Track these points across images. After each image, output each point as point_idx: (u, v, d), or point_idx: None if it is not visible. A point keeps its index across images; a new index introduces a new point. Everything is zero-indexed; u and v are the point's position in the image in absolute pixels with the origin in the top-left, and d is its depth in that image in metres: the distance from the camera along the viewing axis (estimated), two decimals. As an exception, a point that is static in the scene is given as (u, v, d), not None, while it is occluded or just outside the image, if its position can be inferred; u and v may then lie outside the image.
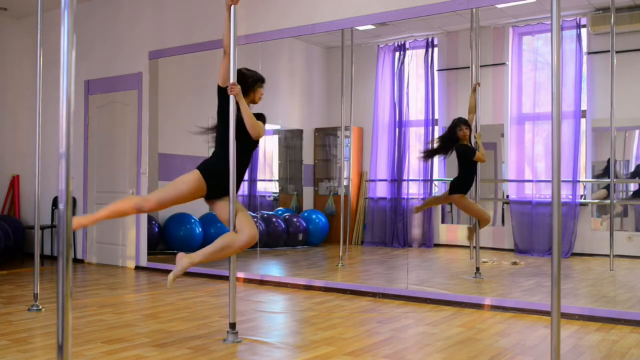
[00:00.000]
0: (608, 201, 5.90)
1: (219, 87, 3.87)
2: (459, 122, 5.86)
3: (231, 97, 3.75)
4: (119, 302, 5.09)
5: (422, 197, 7.13)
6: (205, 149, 8.23)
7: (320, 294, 5.47)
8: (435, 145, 6.19)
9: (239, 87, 3.77)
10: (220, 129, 3.86)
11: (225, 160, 3.75)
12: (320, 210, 8.20)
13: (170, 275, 3.72)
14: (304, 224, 8.01)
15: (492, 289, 5.41)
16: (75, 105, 6.56)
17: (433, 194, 7.06)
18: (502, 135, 6.60)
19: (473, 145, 5.84)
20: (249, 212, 8.28)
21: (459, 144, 5.86)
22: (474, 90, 5.85)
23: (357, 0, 5.64)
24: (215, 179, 3.76)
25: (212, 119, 4.13)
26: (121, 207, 3.79)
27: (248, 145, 3.87)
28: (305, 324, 4.30)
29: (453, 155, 7.05)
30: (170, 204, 3.84)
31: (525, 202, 6.36)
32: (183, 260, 3.74)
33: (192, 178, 3.75)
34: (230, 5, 3.79)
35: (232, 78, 3.83)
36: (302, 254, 7.66)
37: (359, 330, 4.06)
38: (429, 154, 6.43)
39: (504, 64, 6.59)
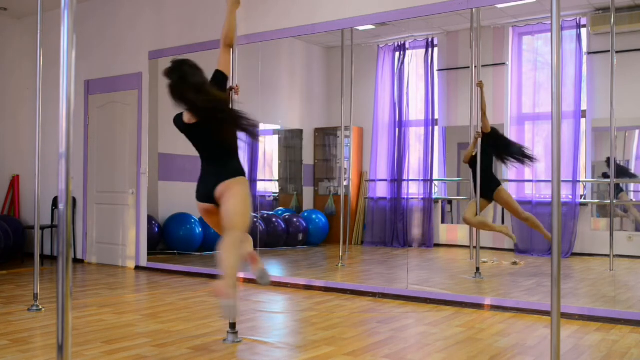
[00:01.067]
0: (608, 201, 5.90)
1: (224, 75, 3.70)
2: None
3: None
4: (119, 302, 5.09)
5: (422, 197, 7.13)
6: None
7: (320, 294, 5.47)
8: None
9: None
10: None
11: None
12: (320, 210, 8.20)
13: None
14: (304, 224, 8.01)
15: (492, 289, 5.41)
16: (75, 105, 6.54)
17: (432, 195, 7.06)
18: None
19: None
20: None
21: None
22: (481, 88, 5.81)
23: (357, 0, 5.64)
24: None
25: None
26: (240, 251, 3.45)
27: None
28: (305, 324, 4.30)
29: (452, 156, 7.07)
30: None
31: (525, 202, 6.36)
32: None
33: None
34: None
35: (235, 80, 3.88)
36: (302, 254, 7.67)
37: (359, 330, 4.06)
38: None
39: (504, 64, 6.59)
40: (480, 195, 5.71)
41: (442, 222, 7.10)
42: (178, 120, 3.62)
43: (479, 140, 5.70)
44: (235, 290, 3.20)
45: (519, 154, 5.87)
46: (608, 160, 5.80)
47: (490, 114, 5.96)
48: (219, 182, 3.48)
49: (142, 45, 7.23)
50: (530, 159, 5.85)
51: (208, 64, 8.48)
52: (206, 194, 3.53)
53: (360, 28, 6.43)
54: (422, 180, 7.14)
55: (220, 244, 3.36)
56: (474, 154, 5.74)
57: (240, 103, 3.88)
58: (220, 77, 3.67)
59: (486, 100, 5.82)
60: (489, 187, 5.76)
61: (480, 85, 5.75)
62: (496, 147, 5.86)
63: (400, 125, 7.40)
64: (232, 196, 3.44)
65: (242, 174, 3.56)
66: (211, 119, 3.46)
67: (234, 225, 3.39)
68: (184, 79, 3.40)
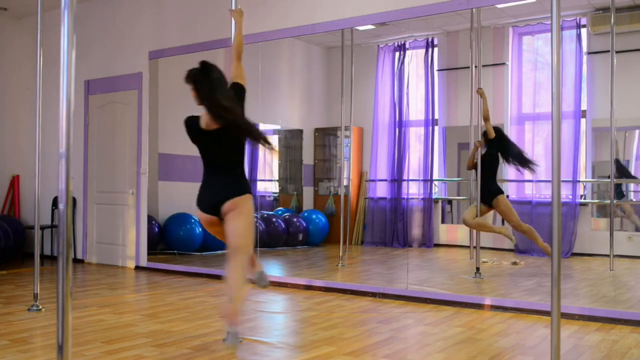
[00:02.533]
0: (608, 201, 5.90)
1: (243, 87, 3.73)
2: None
3: None
4: (119, 302, 5.09)
5: (422, 197, 7.13)
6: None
7: (320, 294, 5.47)
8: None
9: None
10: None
11: None
12: (320, 210, 8.20)
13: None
14: (304, 224, 8.01)
15: (492, 289, 5.41)
16: (75, 105, 6.55)
17: (432, 195, 7.06)
18: (502, 135, 6.60)
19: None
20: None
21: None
22: (482, 96, 5.78)
23: (357, 0, 5.64)
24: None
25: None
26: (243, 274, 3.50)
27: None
28: (305, 324, 4.30)
29: (452, 156, 7.07)
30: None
31: (525, 202, 6.36)
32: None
33: None
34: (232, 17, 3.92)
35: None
36: (302, 254, 7.67)
37: (359, 330, 4.06)
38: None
39: (504, 64, 6.59)
40: (480, 200, 5.71)
41: (442, 222, 7.10)
42: (194, 124, 3.49)
43: (479, 149, 5.71)
44: (240, 315, 3.35)
45: (518, 159, 5.84)
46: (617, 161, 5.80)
47: (490, 114, 5.96)
48: (228, 198, 3.45)
49: (142, 45, 7.23)
50: (530, 163, 5.81)
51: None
52: (212, 205, 3.49)
53: (360, 28, 6.43)
54: (422, 180, 7.14)
55: (227, 266, 3.43)
56: (475, 161, 5.75)
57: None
58: (240, 89, 3.66)
59: (487, 100, 5.81)
60: (489, 194, 5.75)
61: (479, 92, 5.75)
62: (500, 148, 5.83)
63: (400, 125, 7.40)
64: (239, 215, 3.45)
65: (250, 191, 3.56)
66: (235, 131, 3.42)
67: (238, 246, 3.44)
68: (219, 88, 3.40)
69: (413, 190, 7.31)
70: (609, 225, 5.63)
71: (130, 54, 7.36)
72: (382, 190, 7.56)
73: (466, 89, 6.48)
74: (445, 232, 7.08)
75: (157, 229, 7.24)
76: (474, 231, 5.86)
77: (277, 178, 8.73)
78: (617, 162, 5.85)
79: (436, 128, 7.04)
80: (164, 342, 3.72)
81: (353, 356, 3.41)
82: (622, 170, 5.93)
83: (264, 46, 6.29)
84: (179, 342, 3.71)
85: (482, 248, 5.85)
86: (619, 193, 5.93)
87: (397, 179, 7.40)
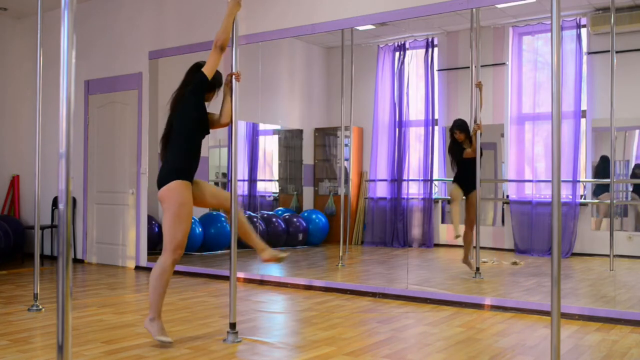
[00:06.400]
0: (608, 201, 5.90)
1: (208, 82, 4.00)
2: (452, 128, 6.04)
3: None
4: (119, 302, 5.09)
5: (422, 197, 7.13)
6: (205, 149, 8.23)
7: (320, 294, 5.47)
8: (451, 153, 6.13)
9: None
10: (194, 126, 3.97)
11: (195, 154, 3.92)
12: (320, 210, 8.20)
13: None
14: (304, 224, 8.01)
15: (492, 289, 5.41)
16: (75, 105, 6.54)
17: (432, 195, 7.06)
18: (502, 135, 6.60)
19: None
20: (249, 212, 8.26)
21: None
22: (479, 88, 5.80)
23: (357, 0, 5.64)
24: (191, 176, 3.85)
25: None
26: (165, 277, 3.67)
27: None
28: (305, 324, 4.30)
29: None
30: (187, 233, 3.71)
31: (525, 202, 6.36)
32: None
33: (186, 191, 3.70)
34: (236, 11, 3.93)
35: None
36: (302, 254, 7.66)
37: (359, 330, 4.06)
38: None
39: (504, 64, 6.59)
40: (461, 184, 5.83)
41: (442, 222, 7.10)
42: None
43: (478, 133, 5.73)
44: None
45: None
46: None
47: (490, 114, 5.97)
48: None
49: (142, 45, 7.23)
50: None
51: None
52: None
53: (360, 28, 6.43)
54: (422, 180, 7.13)
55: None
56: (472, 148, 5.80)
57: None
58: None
59: (486, 100, 5.82)
60: (473, 184, 5.82)
61: (479, 85, 5.75)
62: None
63: (400, 125, 7.40)
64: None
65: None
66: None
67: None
68: None
69: (413, 190, 7.31)
70: (609, 225, 5.63)
71: (130, 54, 7.36)
72: (382, 190, 7.56)
73: (466, 89, 6.48)
74: (445, 232, 7.08)
75: (157, 229, 7.24)
76: (474, 231, 5.86)
77: (277, 178, 8.73)
78: (605, 159, 5.88)
79: (436, 128, 7.04)
80: (164, 342, 3.72)
81: (353, 356, 3.41)
82: (605, 168, 5.95)
83: (264, 46, 6.30)
84: (179, 342, 3.71)
85: (482, 248, 5.85)
86: (600, 187, 5.98)
87: (397, 179, 7.40)
